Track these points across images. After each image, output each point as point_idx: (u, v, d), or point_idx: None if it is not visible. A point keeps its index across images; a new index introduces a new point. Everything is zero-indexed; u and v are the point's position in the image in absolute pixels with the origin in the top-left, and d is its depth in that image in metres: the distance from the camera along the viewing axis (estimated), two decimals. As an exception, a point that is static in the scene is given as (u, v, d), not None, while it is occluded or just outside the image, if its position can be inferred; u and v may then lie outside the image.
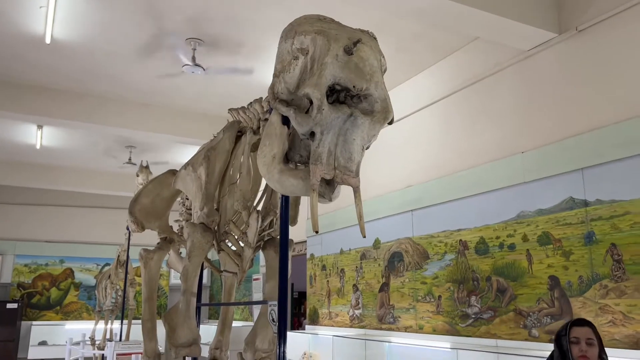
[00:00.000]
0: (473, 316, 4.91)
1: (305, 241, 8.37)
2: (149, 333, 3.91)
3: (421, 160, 5.95)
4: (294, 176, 2.41)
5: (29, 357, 10.82)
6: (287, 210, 2.75)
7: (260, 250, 3.30)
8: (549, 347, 4.11)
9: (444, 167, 5.57)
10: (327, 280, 7.60)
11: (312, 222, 2.24)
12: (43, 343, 11.08)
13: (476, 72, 5.31)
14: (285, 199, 2.76)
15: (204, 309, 11.95)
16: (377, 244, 6.50)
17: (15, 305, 10.70)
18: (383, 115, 2.32)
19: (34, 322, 11.16)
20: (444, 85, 5.76)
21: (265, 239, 3.26)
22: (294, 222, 3.21)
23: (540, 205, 4.39)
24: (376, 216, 6.52)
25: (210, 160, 3.11)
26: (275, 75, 2.52)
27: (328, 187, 2.46)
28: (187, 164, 3.30)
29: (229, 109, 3.56)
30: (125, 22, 5.07)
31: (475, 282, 4.93)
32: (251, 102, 3.30)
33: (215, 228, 3.17)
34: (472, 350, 4.57)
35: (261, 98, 3.24)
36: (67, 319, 11.55)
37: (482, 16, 4.18)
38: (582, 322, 2.82)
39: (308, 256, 8.25)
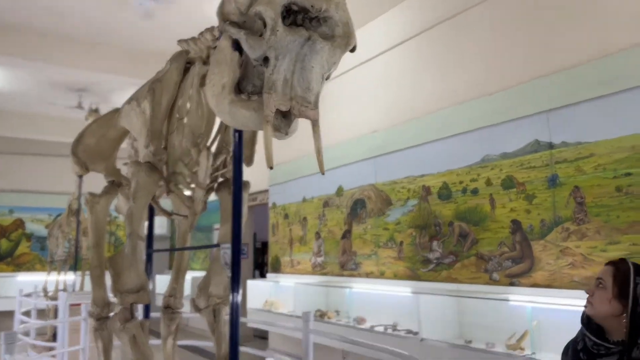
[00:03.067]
0: (434, 261, 4.87)
1: (268, 190, 8.18)
2: (97, 280, 3.69)
3: (388, 104, 5.76)
4: (246, 107, 2.19)
5: (-21, 310, 10.47)
6: (240, 147, 2.53)
7: (215, 193, 3.09)
8: (509, 290, 4.12)
9: (411, 110, 5.40)
10: (290, 229, 7.48)
11: (266, 156, 2.04)
12: (-5, 295, 10.73)
13: (447, 9, 5.07)
14: (238, 134, 2.53)
15: (164, 259, 11.75)
16: (340, 191, 6.37)
17: (-38, 257, 10.25)
18: (345, 40, 2.09)
19: (-16, 274, 10.76)
20: (412, 24, 5.51)
21: (219, 180, 3.04)
22: (250, 162, 2.99)
23: (505, 149, 4.29)
24: (340, 163, 6.35)
25: (156, 93, 2.83)
26: (224, -6, 2.25)
27: (284, 120, 2.25)
28: (131, 98, 3.01)
29: (178, 40, 3.25)
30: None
31: (438, 228, 4.87)
32: (202, 32, 3.00)
33: (163, 167, 2.92)
34: (433, 294, 4.56)
35: (213, 27, 2.94)
36: (19, 271, 11.16)
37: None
38: (611, 262, 1.94)
39: (270, 205, 8.08)
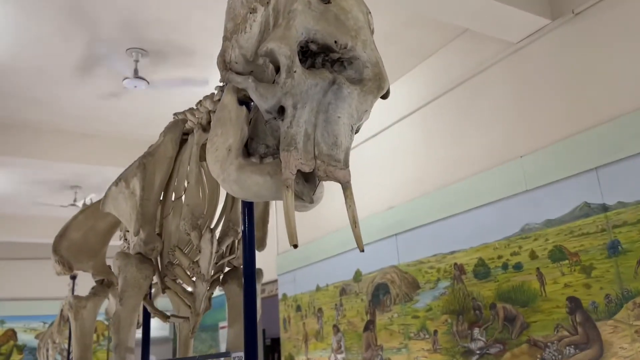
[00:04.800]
0: (478, 352, 4.19)
1: (277, 280, 7.55)
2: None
3: (404, 178, 5.32)
4: (258, 172, 1.73)
5: None
6: (252, 225, 2.02)
7: (220, 287, 2.55)
8: (577, 384, 3.43)
9: (429, 182, 4.94)
10: (303, 323, 6.77)
11: (288, 232, 1.55)
12: (-20, 418, 9.70)
13: (460, 72, 4.77)
14: (248, 209, 2.04)
15: (167, 364, 10.80)
16: (358, 276, 5.76)
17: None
18: (376, 83, 1.67)
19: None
20: (424, 91, 5.20)
21: (225, 269, 2.52)
22: (262, 246, 2.48)
23: (548, 216, 3.78)
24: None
25: (148, 169, 2.38)
26: (225, 39, 1.87)
27: (307, 184, 1.78)
28: (119, 178, 2.55)
29: (174, 113, 2.85)
30: (55, 37, 4.36)
31: (478, 312, 4.24)
32: (200, 101, 2.61)
33: (157, 258, 2.41)
34: (484, 394, 3.84)
35: (213, 94, 2.55)
36: (10, 389, 10.21)
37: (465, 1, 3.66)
38: None
39: (280, 297, 7.42)
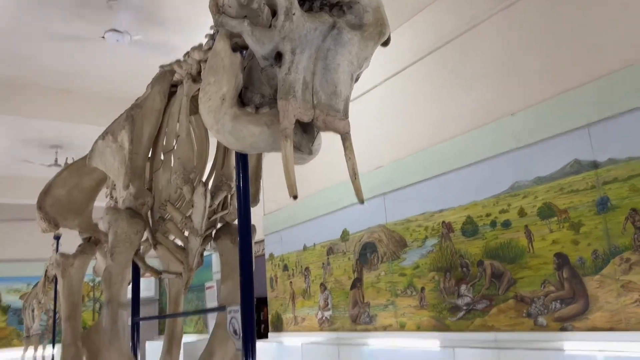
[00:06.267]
0: (464, 308, 4.26)
1: (263, 240, 7.56)
2: (73, 361, 3.02)
3: (392, 137, 5.27)
4: (254, 122, 1.67)
5: (-49, 396, 9.45)
6: (246, 178, 1.97)
7: (213, 242, 2.51)
8: (562, 337, 3.51)
9: (418, 141, 4.91)
10: (290, 282, 6.82)
11: (287, 183, 1.50)
12: (-33, 378, 9.73)
13: (450, 29, 4.68)
14: (242, 161, 1.98)
15: (151, 325, 10.86)
16: (345, 235, 5.78)
17: None
18: (377, 29, 1.61)
19: (-46, 356, 9.79)
20: (414, 47, 5.11)
21: (218, 225, 2.47)
22: (255, 202, 2.44)
23: (538, 173, 3.78)
24: (343, 204, 5.80)
25: (136, 121, 2.29)
26: (218, -20, 1.77)
27: (305, 135, 1.73)
28: (105, 132, 2.46)
29: (160, 66, 2.74)
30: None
31: (465, 269, 4.29)
32: (187, 52, 2.50)
33: (148, 213, 2.35)
34: (471, 347, 3.92)
35: (201, 44, 2.45)
36: (-5, 348, 10.21)
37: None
38: None
39: (267, 256, 7.44)
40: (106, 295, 2.18)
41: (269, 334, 7.21)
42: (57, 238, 6.57)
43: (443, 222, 4.52)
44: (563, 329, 3.52)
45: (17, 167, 8.61)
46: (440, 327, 4.46)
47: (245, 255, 1.95)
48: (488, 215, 4.13)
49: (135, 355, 2.68)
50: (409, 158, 4.97)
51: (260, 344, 6.46)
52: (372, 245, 5.35)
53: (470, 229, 4.27)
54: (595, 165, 3.42)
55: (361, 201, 1.68)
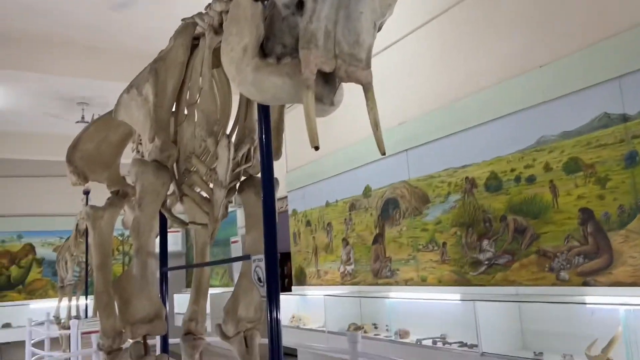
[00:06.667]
0: (486, 262, 4.29)
1: (286, 197, 7.64)
2: (105, 308, 3.16)
3: (416, 92, 5.20)
4: (276, 73, 1.66)
5: (-7, 341, 10.00)
6: (268, 129, 1.98)
7: (237, 195, 2.55)
8: (584, 291, 3.52)
9: (443, 95, 4.84)
10: (313, 237, 6.92)
11: (309, 133, 1.51)
12: (7, 325, 10.23)
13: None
14: (264, 112, 1.99)
15: (180, 277, 11.22)
16: (367, 191, 5.81)
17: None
18: (401, -26, 1.54)
19: (-5, 304, 10.30)
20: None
21: (242, 178, 2.51)
22: (278, 155, 2.45)
23: (565, 127, 3.71)
24: (365, 161, 5.80)
25: (160, 75, 2.31)
26: None
27: (326, 85, 1.72)
28: (130, 85, 2.49)
29: (182, 19, 2.72)
30: None
31: (487, 224, 4.29)
32: (209, 4, 2.47)
33: (174, 166, 2.40)
34: (492, 300, 3.96)
35: (223, -6, 2.41)
36: (31, 298, 10.69)
37: None
38: None
39: (290, 212, 7.54)
40: (135, 245, 2.26)
41: (292, 287, 7.38)
42: (87, 193, 6.75)
43: (466, 177, 4.50)
44: (585, 284, 3.53)
45: (45, 124, 8.79)
46: (461, 281, 4.51)
47: (268, 206, 1.99)
48: (512, 170, 4.08)
49: (163, 304, 2.79)
50: (432, 113, 4.91)
51: (283, 296, 6.64)
52: (395, 201, 5.37)
53: (494, 184, 4.24)
54: (625, 118, 3.34)
55: (382, 152, 1.67)
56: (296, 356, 7.04)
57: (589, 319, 3.47)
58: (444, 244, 4.71)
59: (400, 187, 5.29)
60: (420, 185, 5.03)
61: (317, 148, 1.49)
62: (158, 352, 3.35)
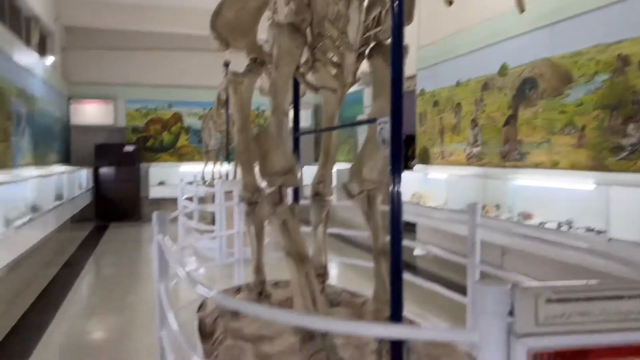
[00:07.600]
0: (629, 148, 3.98)
1: (415, 76, 7.48)
2: (246, 165, 3.52)
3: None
4: None
5: (150, 196, 11.62)
6: (401, -10, 1.95)
7: (367, 60, 2.60)
8: None
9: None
10: (440, 117, 6.83)
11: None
12: (162, 183, 11.78)
13: None
14: (398, -29, 1.95)
15: (309, 150, 11.85)
16: (503, 70, 5.49)
17: (132, 148, 11.24)
18: None
19: (152, 164, 11.79)
20: None
21: (371, 43, 2.53)
22: (409, 20, 2.41)
23: None
24: (503, 36, 5.42)
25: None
26: None
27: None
28: (267, -51, 2.54)
29: None
30: None
31: (637, 106, 3.91)
32: None
33: (307, 30, 2.48)
34: (628, 186, 3.74)
35: None
36: (181, 161, 12.08)
37: None
38: None
39: (418, 92, 7.42)
40: (272, 104, 2.46)
41: (415, 166, 7.48)
42: (227, 65, 7.19)
43: (619, 54, 4.06)
44: None
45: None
46: (597, 166, 4.26)
47: (397, 68, 2.02)
48: (677, 46, 3.60)
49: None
50: (588, -20, 4.36)
51: (405, 174, 6.79)
52: (532, 81, 5.04)
53: (651, 62, 3.80)
54: None
55: (522, 10, 1.61)
56: (415, 232, 7.33)
57: None
58: (583, 127, 4.41)
59: (541, 65, 4.92)
60: (563, 62, 4.64)
61: (450, 3, 1.47)
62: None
